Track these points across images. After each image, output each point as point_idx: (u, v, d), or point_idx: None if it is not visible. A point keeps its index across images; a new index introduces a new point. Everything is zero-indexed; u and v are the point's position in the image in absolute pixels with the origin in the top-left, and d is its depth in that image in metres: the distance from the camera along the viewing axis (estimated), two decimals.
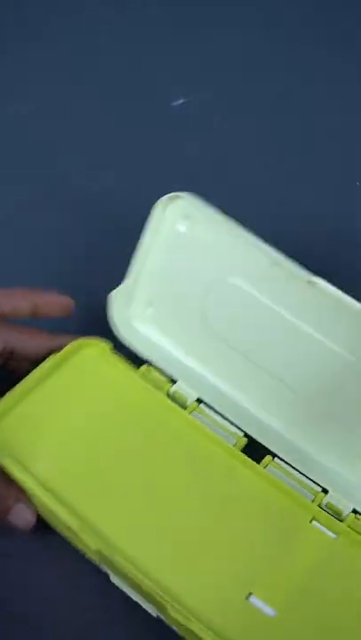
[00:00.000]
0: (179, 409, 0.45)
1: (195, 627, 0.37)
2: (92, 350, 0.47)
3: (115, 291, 0.48)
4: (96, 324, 0.49)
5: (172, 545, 0.40)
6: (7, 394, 0.44)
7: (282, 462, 0.45)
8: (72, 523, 0.40)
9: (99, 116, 0.67)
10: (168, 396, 0.46)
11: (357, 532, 0.42)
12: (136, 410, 0.45)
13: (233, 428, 0.46)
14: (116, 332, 0.49)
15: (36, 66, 0.69)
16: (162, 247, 0.47)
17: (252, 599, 0.39)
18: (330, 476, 0.45)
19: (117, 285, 0.48)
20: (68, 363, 0.46)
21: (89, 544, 0.39)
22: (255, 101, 0.67)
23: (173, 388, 0.47)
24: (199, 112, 0.66)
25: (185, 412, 0.45)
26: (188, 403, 0.46)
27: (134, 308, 0.49)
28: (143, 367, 0.47)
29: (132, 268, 0.48)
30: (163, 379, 0.47)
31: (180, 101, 0.67)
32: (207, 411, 0.47)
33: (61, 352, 0.46)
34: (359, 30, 0.71)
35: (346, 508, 0.43)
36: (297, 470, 0.45)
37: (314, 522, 0.42)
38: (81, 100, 0.67)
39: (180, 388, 0.47)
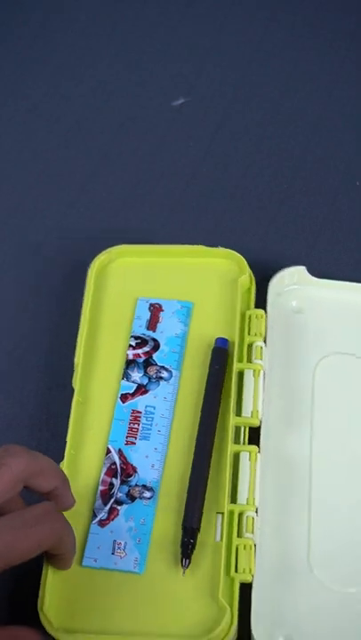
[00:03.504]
0: None
1: None
2: None
3: None
4: None
5: None
6: None
7: None
8: None
9: (98, 115, 0.67)
10: None
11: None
12: None
13: None
14: None
15: (36, 66, 0.69)
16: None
17: None
18: None
19: None
20: None
21: None
22: (255, 101, 0.67)
23: None
24: (199, 112, 0.66)
25: None
26: None
27: None
28: None
29: None
30: None
31: (180, 101, 0.67)
32: None
33: None
34: (359, 31, 0.71)
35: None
36: None
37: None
38: (81, 100, 0.67)
39: None
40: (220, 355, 0.52)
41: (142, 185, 0.63)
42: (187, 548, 0.45)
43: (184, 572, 0.45)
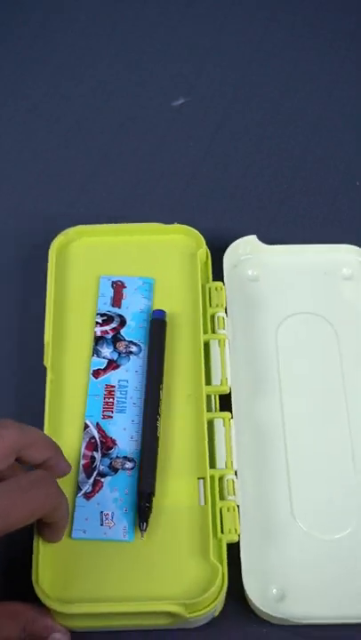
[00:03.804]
0: None
1: None
2: None
3: None
4: None
5: None
6: None
7: None
8: None
9: (98, 115, 0.67)
10: None
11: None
12: None
13: None
14: None
15: (36, 66, 0.69)
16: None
17: None
18: None
19: None
20: None
21: None
22: (255, 101, 0.67)
23: None
24: (199, 112, 0.67)
25: None
26: None
27: None
28: None
29: None
30: None
31: (180, 101, 0.67)
32: None
33: None
34: (359, 31, 0.71)
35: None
36: None
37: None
38: (81, 100, 0.67)
39: None
40: (159, 325, 0.53)
41: (142, 185, 0.63)
42: (144, 512, 0.47)
43: (142, 536, 0.47)
